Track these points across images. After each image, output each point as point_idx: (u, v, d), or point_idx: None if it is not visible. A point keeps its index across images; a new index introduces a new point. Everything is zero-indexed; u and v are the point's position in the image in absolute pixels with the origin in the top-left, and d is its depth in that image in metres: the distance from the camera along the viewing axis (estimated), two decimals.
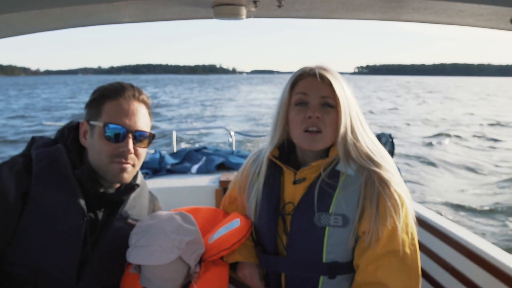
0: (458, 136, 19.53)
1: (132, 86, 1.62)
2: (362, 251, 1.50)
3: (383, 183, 1.50)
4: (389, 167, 1.54)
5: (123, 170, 1.56)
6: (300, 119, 1.57)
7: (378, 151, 1.58)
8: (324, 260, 1.53)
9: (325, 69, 1.60)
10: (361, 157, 1.54)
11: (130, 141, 1.55)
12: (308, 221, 1.54)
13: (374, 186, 1.50)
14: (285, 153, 1.70)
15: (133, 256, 1.50)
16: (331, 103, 1.56)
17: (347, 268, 1.55)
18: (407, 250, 1.48)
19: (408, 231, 1.50)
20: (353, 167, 1.55)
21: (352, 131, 1.56)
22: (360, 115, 1.62)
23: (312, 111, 1.54)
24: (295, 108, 1.60)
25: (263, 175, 1.71)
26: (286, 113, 1.63)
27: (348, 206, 1.51)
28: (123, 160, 1.55)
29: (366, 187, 1.51)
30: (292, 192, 1.63)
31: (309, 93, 1.57)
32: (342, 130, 1.54)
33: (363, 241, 1.51)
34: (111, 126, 1.53)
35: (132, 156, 1.57)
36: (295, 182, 1.62)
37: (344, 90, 1.58)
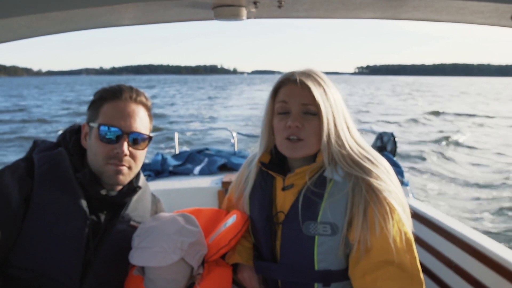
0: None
1: (131, 88, 1.63)
2: (356, 261, 1.46)
3: (371, 191, 1.45)
4: (380, 173, 1.48)
5: (118, 172, 1.56)
6: (281, 128, 1.54)
7: (367, 157, 1.52)
8: (316, 268, 1.50)
9: (307, 74, 1.54)
10: (348, 163, 1.49)
11: (125, 143, 1.55)
12: (297, 231, 1.51)
13: (361, 193, 1.45)
14: (278, 158, 1.67)
15: (136, 257, 1.50)
16: (312, 111, 1.51)
17: (341, 276, 1.51)
18: (404, 257, 1.43)
19: (402, 238, 1.44)
20: (340, 174, 1.51)
21: (338, 136, 1.51)
22: (347, 119, 1.56)
23: (292, 120, 1.51)
24: (278, 117, 1.57)
25: (252, 180, 1.71)
26: (271, 120, 1.61)
27: (336, 214, 1.47)
28: (118, 162, 1.55)
29: (353, 194, 1.46)
30: (283, 199, 1.61)
31: (289, 101, 1.54)
32: (324, 137, 1.50)
33: (355, 250, 1.46)
34: (104, 127, 1.53)
35: (127, 158, 1.56)
36: (284, 189, 1.60)
37: (326, 96, 1.51)
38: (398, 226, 1.44)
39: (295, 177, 1.56)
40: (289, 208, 1.56)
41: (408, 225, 1.48)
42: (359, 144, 1.55)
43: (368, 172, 1.47)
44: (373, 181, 1.46)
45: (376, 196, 1.44)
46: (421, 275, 1.47)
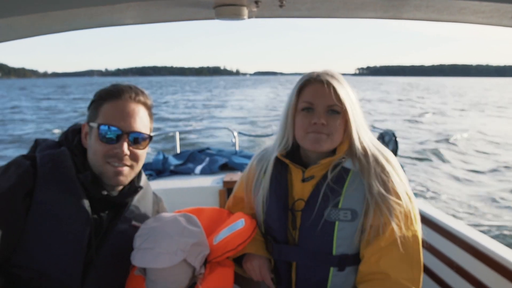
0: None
1: (130, 87, 1.62)
2: (367, 243, 1.59)
3: (386, 181, 1.58)
4: (391, 169, 1.62)
5: (118, 172, 1.56)
6: (306, 124, 1.63)
7: (382, 152, 1.66)
8: (334, 253, 1.60)
9: (331, 76, 1.64)
10: (366, 157, 1.62)
11: (125, 143, 1.54)
12: (318, 217, 1.60)
13: (377, 183, 1.57)
14: (292, 152, 1.73)
15: (138, 259, 1.50)
16: (337, 110, 1.61)
17: (355, 260, 1.62)
18: (409, 242, 1.56)
19: (409, 225, 1.58)
20: (357, 166, 1.63)
21: (358, 133, 1.64)
22: (362, 117, 1.68)
23: (318, 118, 1.60)
24: (301, 113, 1.65)
25: (269, 173, 1.76)
26: (293, 117, 1.68)
27: (356, 201, 1.59)
28: (118, 162, 1.55)
29: (370, 186, 1.58)
30: (301, 190, 1.68)
31: (315, 101, 1.63)
32: (352, 132, 1.63)
33: (368, 233, 1.58)
34: (104, 127, 1.53)
35: (127, 158, 1.56)
36: (304, 180, 1.68)
37: (349, 96, 1.63)
38: (407, 214, 1.58)
39: (317, 168, 1.65)
40: (310, 196, 1.65)
41: (415, 215, 1.61)
42: (371, 141, 1.69)
43: (382, 167, 1.61)
44: (386, 172, 1.60)
45: (390, 185, 1.58)
46: (422, 261, 1.59)
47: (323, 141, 1.61)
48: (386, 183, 1.57)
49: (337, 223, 1.58)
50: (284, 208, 1.69)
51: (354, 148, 1.63)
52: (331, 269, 1.62)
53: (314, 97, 1.63)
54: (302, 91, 1.67)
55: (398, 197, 1.57)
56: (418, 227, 1.61)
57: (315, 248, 1.62)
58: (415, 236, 1.59)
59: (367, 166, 1.61)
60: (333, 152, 1.66)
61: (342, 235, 1.59)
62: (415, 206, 1.62)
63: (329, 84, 1.60)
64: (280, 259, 1.72)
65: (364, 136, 1.66)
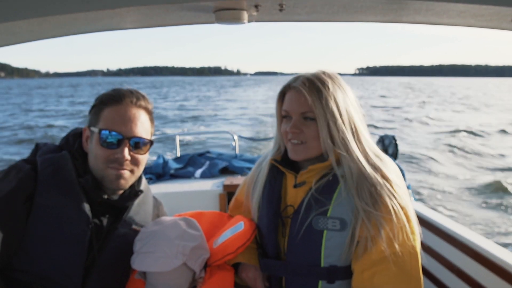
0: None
1: (131, 92, 1.62)
2: (358, 256, 1.50)
3: (378, 190, 1.49)
4: (382, 178, 1.52)
5: (119, 176, 1.57)
6: (284, 131, 1.63)
7: (373, 160, 1.56)
8: (322, 264, 1.52)
9: (309, 80, 1.58)
10: (355, 164, 1.53)
11: (126, 148, 1.55)
12: (306, 224, 1.54)
13: (368, 192, 1.49)
14: (288, 157, 1.70)
15: (138, 262, 1.50)
16: (311, 116, 1.57)
17: (346, 272, 1.54)
18: (406, 258, 1.46)
19: (405, 240, 1.47)
20: (348, 174, 1.54)
21: (341, 139, 1.54)
22: (355, 122, 1.59)
23: (290, 126, 1.59)
24: (283, 121, 1.66)
25: (264, 178, 1.75)
26: (280, 123, 1.69)
27: (345, 210, 1.51)
28: (119, 166, 1.56)
29: (359, 195, 1.50)
30: (294, 196, 1.65)
31: (289, 109, 1.62)
32: (322, 141, 1.55)
33: (359, 245, 1.50)
34: (105, 132, 1.54)
35: (128, 162, 1.57)
36: (295, 186, 1.65)
37: (325, 101, 1.54)
38: (402, 228, 1.48)
39: (308, 174, 1.62)
40: (300, 203, 1.60)
41: (412, 229, 1.51)
42: (366, 147, 1.59)
43: (371, 175, 1.51)
44: (379, 181, 1.50)
45: (381, 195, 1.48)
46: (421, 278, 1.49)
47: (299, 150, 1.60)
48: (377, 194, 1.48)
49: (325, 232, 1.51)
50: (275, 214, 1.65)
51: (341, 156, 1.55)
52: (320, 282, 1.54)
53: (289, 105, 1.61)
54: (283, 97, 1.67)
55: (387, 209, 1.47)
56: (417, 242, 1.51)
57: (302, 258, 1.55)
58: (412, 252, 1.48)
59: (358, 174, 1.52)
60: (327, 157, 1.59)
61: (330, 244, 1.51)
62: (411, 218, 1.52)
63: (301, 91, 1.56)
64: (267, 273, 1.68)
65: (349, 143, 1.54)
